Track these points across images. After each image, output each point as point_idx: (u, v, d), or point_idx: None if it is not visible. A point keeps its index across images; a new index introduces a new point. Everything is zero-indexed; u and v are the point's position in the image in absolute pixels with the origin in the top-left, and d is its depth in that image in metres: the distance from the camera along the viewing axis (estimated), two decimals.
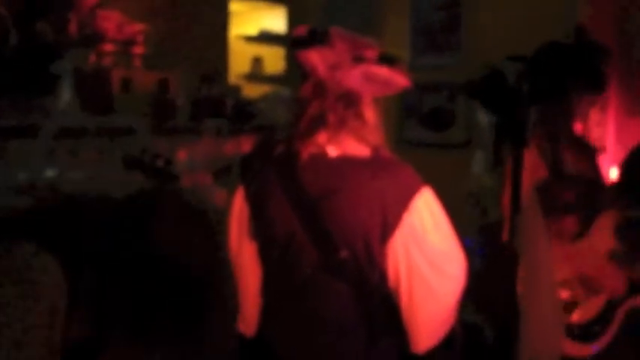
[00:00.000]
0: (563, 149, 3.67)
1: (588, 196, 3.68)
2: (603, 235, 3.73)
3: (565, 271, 3.60)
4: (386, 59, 2.61)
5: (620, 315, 3.67)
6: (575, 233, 3.66)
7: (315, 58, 2.55)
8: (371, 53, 2.58)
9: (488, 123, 5.18)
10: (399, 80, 2.62)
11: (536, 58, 3.82)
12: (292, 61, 6.68)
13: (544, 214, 3.54)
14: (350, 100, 2.58)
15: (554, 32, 5.33)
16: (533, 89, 3.74)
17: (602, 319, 3.65)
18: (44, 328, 3.01)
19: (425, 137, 6.21)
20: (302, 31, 2.64)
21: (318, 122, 2.57)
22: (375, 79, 2.58)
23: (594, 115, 5.26)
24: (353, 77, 2.55)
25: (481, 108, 5.29)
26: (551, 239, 3.44)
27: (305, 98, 2.60)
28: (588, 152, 3.88)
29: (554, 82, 3.71)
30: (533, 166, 3.60)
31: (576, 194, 3.58)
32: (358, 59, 2.56)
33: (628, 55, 5.74)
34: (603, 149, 5.54)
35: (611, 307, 3.68)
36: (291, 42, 2.66)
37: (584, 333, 3.62)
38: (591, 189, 3.73)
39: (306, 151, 2.57)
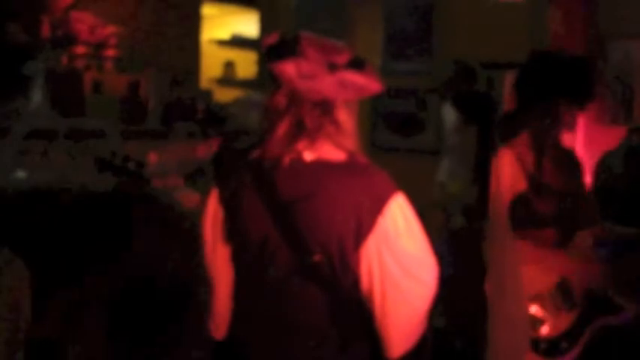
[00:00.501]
0: (547, 161, 3.68)
1: (569, 210, 3.68)
2: (581, 251, 3.74)
3: (539, 284, 3.60)
4: (357, 63, 2.61)
5: (589, 332, 3.68)
6: (555, 243, 3.66)
7: (290, 70, 2.54)
8: (343, 58, 2.59)
9: (456, 125, 5.19)
10: (373, 86, 2.63)
11: (527, 67, 3.84)
12: (264, 65, 6.68)
13: (523, 226, 3.55)
14: (325, 107, 2.58)
15: (524, 40, 5.38)
16: (522, 98, 3.76)
17: (571, 335, 3.66)
18: (6, 322, 3.01)
19: (395, 143, 6.23)
20: (273, 39, 2.63)
21: (297, 130, 2.58)
22: (349, 85, 2.58)
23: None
24: (328, 85, 2.55)
25: (450, 109, 5.30)
26: (520, 252, 3.45)
27: (279, 107, 2.60)
28: (573, 165, 3.89)
29: (543, 92, 3.73)
30: (513, 178, 3.62)
31: (556, 208, 3.59)
32: (332, 67, 2.56)
33: (599, 62, 5.78)
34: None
35: (580, 323, 3.69)
36: (265, 53, 2.65)
37: (550, 348, 3.62)
38: (572, 203, 3.73)
39: (283, 158, 2.57)
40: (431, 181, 4.87)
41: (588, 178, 5.14)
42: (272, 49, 2.61)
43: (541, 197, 3.51)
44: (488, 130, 2.16)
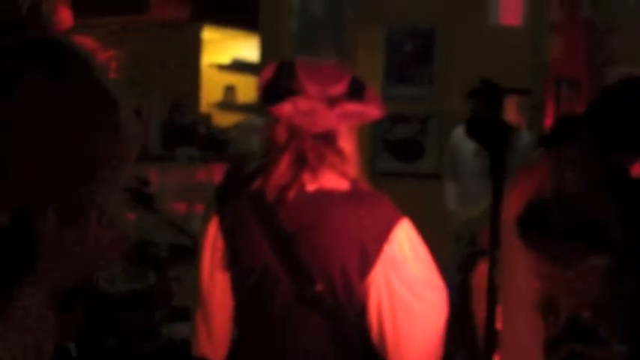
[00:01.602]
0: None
1: (581, 226, 3.64)
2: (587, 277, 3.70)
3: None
4: (356, 91, 2.59)
5: (560, 355, 3.65)
6: (569, 259, 3.63)
7: (289, 110, 2.52)
8: (341, 87, 2.56)
9: (476, 150, 5.15)
10: (374, 112, 2.62)
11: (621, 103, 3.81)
12: None
13: (534, 233, 3.52)
14: (327, 139, 2.56)
15: (525, 65, 5.39)
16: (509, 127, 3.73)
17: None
18: None
19: (396, 168, 6.22)
20: (269, 73, 2.61)
21: (299, 164, 2.56)
22: (350, 116, 2.57)
23: None
24: (329, 120, 2.54)
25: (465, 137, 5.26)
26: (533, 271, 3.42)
27: (279, 141, 2.58)
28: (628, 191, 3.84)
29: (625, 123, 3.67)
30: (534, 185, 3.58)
31: (574, 224, 3.55)
32: (331, 101, 2.54)
33: (598, 90, 5.78)
34: None
35: (547, 349, 3.64)
36: (260, 96, 2.63)
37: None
38: (596, 225, 3.68)
39: (287, 190, 2.55)
40: (432, 205, 4.86)
41: None
42: (267, 88, 2.59)
43: (561, 207, 3.47)
44: (501, 156, 2.14)
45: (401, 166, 6.23)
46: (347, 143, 2.61)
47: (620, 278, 3.86)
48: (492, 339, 2.24)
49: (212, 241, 2.71)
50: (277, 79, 2.58)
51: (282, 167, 2.55)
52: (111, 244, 1.15)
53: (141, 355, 4.23)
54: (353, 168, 2.62)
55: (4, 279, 1.07)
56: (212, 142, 6.09)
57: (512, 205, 3.39)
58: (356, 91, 2.59)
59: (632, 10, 5.82)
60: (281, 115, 2.53)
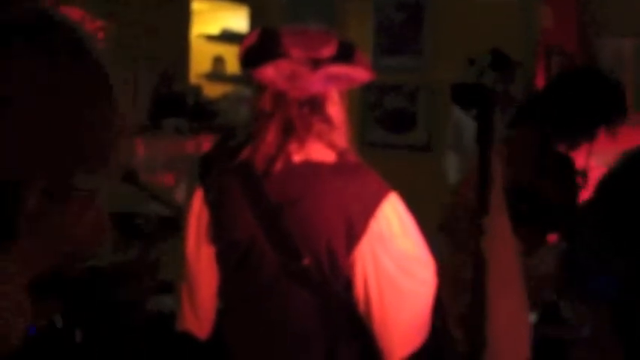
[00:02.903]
0: (542, 168, 3.67)
1: (542, 215, 3.66)
2: (545, 259, 3.72)
3: None
4: (344, 53, 2.55)
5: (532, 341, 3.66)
6: (525, 243, 3.64)
7: (271, 73, 2.46)
8: (329, 51, 2.52)
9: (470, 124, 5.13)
10: (362, 75, 2.57)
11: (555, 84, 3.81)
12: None
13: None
14: (314, 105, 2.52)
15: (515, 35, 5.37)
16: (560, 119, 3.70)
17: None
18: None
19: (386, 139, 6.20)
20: (252, 39, 2.56)
21: (286, 132, 2.52)
22: (336, 79, 2.52)
23: None
24: (314, 83, 2.48)
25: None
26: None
27: (265, 110, 2.53)
28: (567, 176, 3.86)
29: (583, 113, 3.69)
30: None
31: (529, 209, 3.56)
32: (316, 63, 2.50)
33: (589, 61, 5.77)
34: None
35: None
36: (242, 61, 2.58)
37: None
38: (549, 210, 3.71)
39: (274, 161, 2.52)
40: (422, 177, 4.84)
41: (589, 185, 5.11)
42: (249, 53, 2.54)
43: (518, 196, 3.47)
44: (487, 122, 2.11)
45: (391, 137, 6.21)
46: (336, 111, 2.57)
47: (575, 261, 3.88)
48: (481, 313, 2.22)
49: (197, 214, 2.68)
50: (260, 44, 2.53)
51: (269, 136, 2.51)
52: (96, 229, 1.13)
53: (127, 328, 4.22)
54: (342, 137, 2.59)
55: None
56: (200, 113, 6.05)
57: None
58: (344, 55, 2.54)
59: None
60: (263, 78, 2.49)
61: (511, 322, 2.46)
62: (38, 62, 1.04)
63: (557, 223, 3.82)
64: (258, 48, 2.52)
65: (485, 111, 2.16)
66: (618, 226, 4.19)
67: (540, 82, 5.93)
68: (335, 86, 2.54)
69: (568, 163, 3.93)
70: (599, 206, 4.49)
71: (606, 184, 4.72)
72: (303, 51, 2.49)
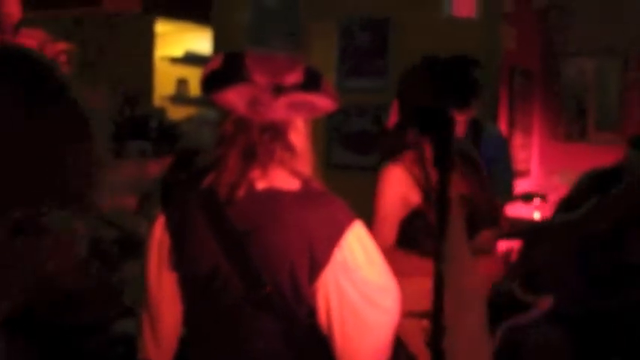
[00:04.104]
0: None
1: (466, 214, 3.66)
2: (481, 255, 3.73)
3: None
4: (310, 82, 2.52)
5: (498, 333, 3.67)
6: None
7: (233, 98, 2.43)
8: (293, 77, 2.48)
9: None
10: (326, 104, 2.53)
11: (406, 76, 3.81)
12: None
13: (418, 238, 3.52)
14: (275, 132, 2.48)
15: (478, 56, 5.39)
16: (405, 109, 3.70)
17: None
18: None
19: (351, 161, 6.20)
20: (216, 64, 2.52)
21: (248, 158, 2.49)
22: (299, 106, 2.49)
23: (518, 138, 5.31)
24: (276, 109, 2.44)
25: None
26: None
27: (227, 135, 2.50)
28: (469, 169, 3.86)
29: (425, 97, 3.67)
30: (407, 193, 3.58)
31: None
32: (279, 89, 2.47)
33: (552, 80, 5.81)
34: (527, 172, 5.60)
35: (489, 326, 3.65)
36: (202, 85, 2.54)
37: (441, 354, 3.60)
38: (469, 207, 3.71)
39: (236, 187, 2.49)
40: None
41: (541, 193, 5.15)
42: (211, 77, 2.51)
43: (433, 207, 3.46)
44: (445, 145, 2.11)
45: (355, 158, 6.21)
46: (299, 138, 2.53)
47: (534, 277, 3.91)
48: (440, 336, 2.22)
49: (158, 241, 2.64)
50: (223, 68, 2.50)
51: (231, 161, 2.48)
52: (64, 266, 1.12)
53: (90, 352, 4.18)
54: (306, 164, 2.56)
55: None
56: (164, 136, 6.03)
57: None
58: (309, 82, 2.50)
59: (587, 1, 5.85)
60: (224, 103, 2.46)
61: (471, 344, 2.46)
62: (19, 102, 1.03)
63: (483, 222, 3.83)
64: (221, 72, 2.48)
65: (444, 135, 2.16)
66: (577, 243, 4.24)
67: (504, 101, 5.97)
68: (298, 114, 2.51)
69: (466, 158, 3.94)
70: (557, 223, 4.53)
71: (567, 203, 4.76)
72: (267, 76, 2.45)
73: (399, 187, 3.58)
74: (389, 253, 3.71)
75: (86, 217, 1.15)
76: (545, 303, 3.81)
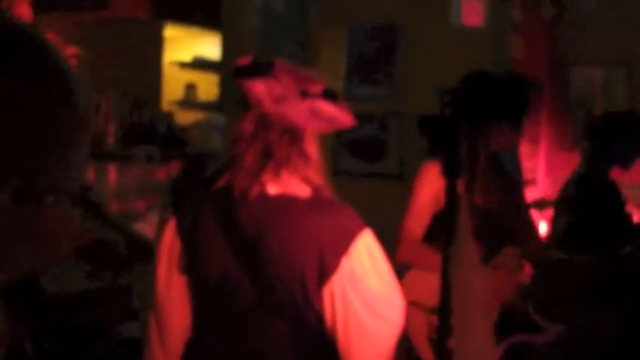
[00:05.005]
0: (475, 179, 3.70)
1: (492, 226, 3.69)
2: (502, 270, 3.76)
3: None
4: (329, 94, 2.56)
5: (502, 348, 3.67)
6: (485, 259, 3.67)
7: (261, 90, 2.46)
8: (316, 88, 2.52)
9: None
10: (344, 118, 2.58)
11: (460, 87, 3.85)
12: (226, 88, 6.65)
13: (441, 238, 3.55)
14: (294, 136, 2.50)
15: (486, 65, 5.40)
16: (453, 116, 3.75)
17: None
18: None
19: (358, 168, 6.20)
20: (246, 60, 2.56)
21: (264, 159, 2.50)
22: (320, 115, 2.52)
23: (525, 147, 5.31)
24: (299, 112, 2.48)
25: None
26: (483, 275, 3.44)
27: (246, 133, 2.52)
28: (504, 184, 3.89)
29: (473, 109, 3.73)
30: (438, 192, 3.63)
31: (479, 223, 3.59)
32: (304, 94, 2.50)
33: (560, 89, 5.82)
34: (533, 182, 5.59)
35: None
36: (235, 71, 2.56)
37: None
38: (497, 220, 3.75)
39: (249, 190, 2.50)
40: (394, 205, 4.84)
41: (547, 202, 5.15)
42: (244, 67, 2.54)
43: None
44: (452, 155, 2.12)
45: (363, 166, 6.21)
46: (313, 148, 2.56)
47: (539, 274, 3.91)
48: (447, 339, 2.22)
49: (169, 244, 2.64)
50: (255, 62, 2.53)
51: (248, 159, 2.50)
52: (65, 235, 1.13)
53: (93, 356, 4.19)
54: (317, 173, 2.58)
55: None
56: (172, 141, 6.05)
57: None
58: (330, 95, 2.55)
59: (595, 10, 5.85)
60: (252, 93, 2.48)
61: (478, 347, 2.47)
62: (15, 75, 1.05)
63: (509, 236, 3.88)
64: (253, 64, 2.52)
65: (451, 142, 2.17)
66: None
67: None
68: (317, 122, 2.54)
69: (501, 172, 3.98)
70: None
71: (559, 205, 4.78)
72: (293, 81, 2.50)
73: (433, 185, 3.66)
74: (414, 246, 3.77)
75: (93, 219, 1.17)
76: (556, 332, 3.81)
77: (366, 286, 2.49)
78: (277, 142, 2.48)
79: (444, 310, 2.23)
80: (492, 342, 3.12)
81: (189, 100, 7.64)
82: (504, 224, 3.80)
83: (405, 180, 5.74)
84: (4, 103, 1.03)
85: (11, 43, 1.07)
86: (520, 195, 4.05)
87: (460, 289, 2.19)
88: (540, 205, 5.47)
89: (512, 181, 3.99)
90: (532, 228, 4.06)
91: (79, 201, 1.14)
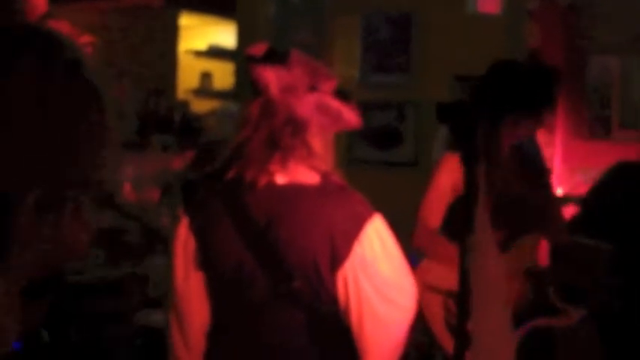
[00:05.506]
0: (496, 168, 3.71)
1: (511, 215, 3.70)
2: (521, 253, 3.77)
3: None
4: (340, 94, 2.56)
5: (520, 333, 3.68)
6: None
7: (270, 76, 2.47)
8: (327, 86, 2.52)
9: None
10: (350, 118, 2.57)
11: (485, 77, 3.85)
12: (241, 76, 6.65)
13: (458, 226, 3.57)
14: (297, 127, 2.50)
15: (502, 53, 5.38)
16: (478, 105, 3.76)
17: None
18: None
19: (373, 156, 6.20)
20: (261, 48, 2.57)
21: (270, 146, 2.51)
22: (326, 111, 2.52)
23: (541, 136, 5.31)
24: (305, 104, 2.48)
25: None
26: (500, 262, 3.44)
27: (252, 117, 2.53)
28: (525, 172, 3.90)
29: (497, 99, 3.74)
30: (456, 181, 3.65)
31: (498, 211, 3.59)
32: (313, 88, 2.51)
33: (576, 78, 5.79)
34: (550, 170, 5.59)
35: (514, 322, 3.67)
36: (247, 56, 2.58)
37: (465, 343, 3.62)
38: (517, 209, 3.76)
39: (257, 180, 2.51)
40: (409, 193, 4.84)
41: (563, 190, 5.14)
42: (257, 54, 2.55)
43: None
44: (471, 142, 2.12)
45: (377, 154, 6.21)
46: (317, 142, 2.56)
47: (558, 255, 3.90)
48: (465, 328, 2.22)
49: (183, 242, 2.65)
50: (269, 49, 2.54)
51: (254, 146, 2.50)
52: (83, 237, 1.14)
53: (112, 343, 4.22)
54: (324, 163, 2.58)
55: None
56: (187, 130, 6.05)
57: None
58: (339, 94, 2.56)
59: None
60: (260, 79, 2.49)
61: (494, 335, 2.47)
62: (35, 77, 1.05)
63: (532, 223, 3.89)
64: (268, 51, 2.53)
65: (469, 128, 2.16)
66: (610, 237, 4.24)
67: None
68: (323, 118, 2.53)
69: (536, 164, 3.98)
70: (587, 219, 4.53)
71: (593, 197, 4.76)
72: (306, 73, 2.51)
73: (453, 175, 3.67)
74: (428, 235, 3.78)
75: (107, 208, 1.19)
76: (578, 315, 3.81)
77: (377, 272, 2.49)
78: (280, 131, 2.48)
79: (462, 296, 2.23)
80: (509, 326, 3.12)
81: (204, 89, 7.65)
82: (525, 212, 3.81)
83: (420, 168, 5.74)
84: (30, 110, 1.04)
85: (20, 42, 1.08)
86: (545, 183, 4.05)
87: (477, 276, 2.19)
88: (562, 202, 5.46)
89: (536, 170, 3.98)
90: (557, 215, 4.05)
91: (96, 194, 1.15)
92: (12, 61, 1.06)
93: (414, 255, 3.47)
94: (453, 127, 2.34)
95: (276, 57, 2.51)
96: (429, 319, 3.78)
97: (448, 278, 3.74)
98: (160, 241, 4.31)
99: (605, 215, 4.54)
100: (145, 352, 4.20)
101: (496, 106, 3.72)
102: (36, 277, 1.14)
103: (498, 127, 3.73)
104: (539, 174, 4.02)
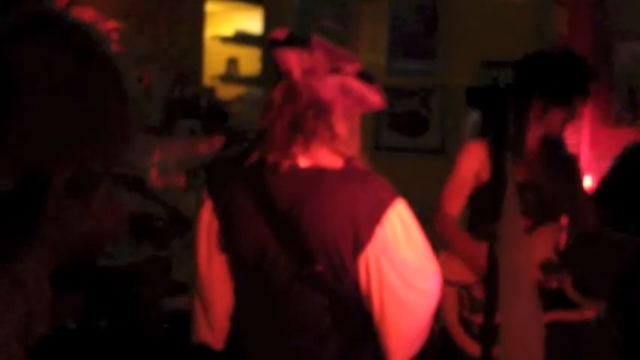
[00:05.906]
0: (523, 157, 3.70)
1: (534, 201, 3.69)
2: (539, 244, 3.76)
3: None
4: (364, 76, 2.56)
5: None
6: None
7: (293, 60, 2.48)
8: (350, 67, 2.52)
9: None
10: (374, 99, 2.57)
11: (518, 64, 3.83)
12: (268, 62, 6.65)
13: (484, 217, 3.56)
14: (320, 110, 2.50)
15: (529, 39, 5.35)
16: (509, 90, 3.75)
17: None
18: None
19: (399, 142, 6.19)
20: (283, 32, 2.57)
21: (293, 129, 2.51)
22: (349, 92, 2.51)
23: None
24: (327, 86, 2.48)
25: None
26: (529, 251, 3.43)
27: (275, 101, 2.53)
28: (553, 161, 3.88)
29: (527, 85, 3.73)
30: (479, 168, 3.64)
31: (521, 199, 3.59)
32: (335, 70, 2.50)
33: (604, 64, 5.75)
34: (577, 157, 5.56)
35: None
36: (270, 40, 2.59)
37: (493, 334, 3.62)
38: (539, 198, 3.74)
39: (280, 163, 2.51)
40: (435, 180, 4.84)
41: (590, 179, 5.11)
42: (280, 38, 2.55)
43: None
44: (502, 125, 2.10)
45: (404, 140, 6.20)
46: (341, 125, 2.55)
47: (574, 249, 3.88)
48: (493, 316, 2.22)
49: (207, 226, 2.66)
50: (291, 34, 2.55)
51: (277, 130, 2.51)
52: (113, 219, 1.15)
53: (140, 329, 4.22)
54: (348, 147, 2.57)
55: (6, 242, 1.06)
56: (214, 115, 6.06)
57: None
58: (363, 76, 2.56)
59: None
60: (283, 62, 2.50)
61: (524, 324, 2.46)
62: (53, 58, 1.06)
63: (557, 212, 3.88)
64: (289, 35, 2.54)
65: (500, 113, 2.15)
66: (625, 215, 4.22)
67: None
68: (346, 99, 2.53)
69: (564, 156, 3.96)
70: (603, 197, 4.52)
71: (610, 176, 4.75)
72: (328, 56, 2.51)
73: (474, 163, 3.68)
74: (446, 222, 3.78)
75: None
76: (594, 308, 3.80)
77: (400, 257, 2.49)
78: (303, 114, 2.49)
79: (490, 286, 2.22)
80: (539, 318, 3.11)
81: (230, 75, 7.65)
82: (551, 200, 3.80)
83: (446, 154, 5.73)
84: (65, 96, 1.05)
85: (63, 30, 1.09)
86: (574, 171, 4.02)
87: (506, 265, 2.18)
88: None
89: (565, 159, 3.96)
90: (584, 204, 4.03)
91: (123, 178, 1.16)
92: (23, 42, 1.06)
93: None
94: (484, 112, 2.32)
95: (297, 40, 2.51)
96: (443, 312, 3.78)
97: (460, 270, 3.75)
98: (184, 227, 4.32)
99: (624, 190, 4.53)
100: (172, 336, 4.21)
101: (526, 91, 3.71)
102: (68, 264, 1.14)
103: (527, 113, 3.72)
104: (567, 162, 4.00)
